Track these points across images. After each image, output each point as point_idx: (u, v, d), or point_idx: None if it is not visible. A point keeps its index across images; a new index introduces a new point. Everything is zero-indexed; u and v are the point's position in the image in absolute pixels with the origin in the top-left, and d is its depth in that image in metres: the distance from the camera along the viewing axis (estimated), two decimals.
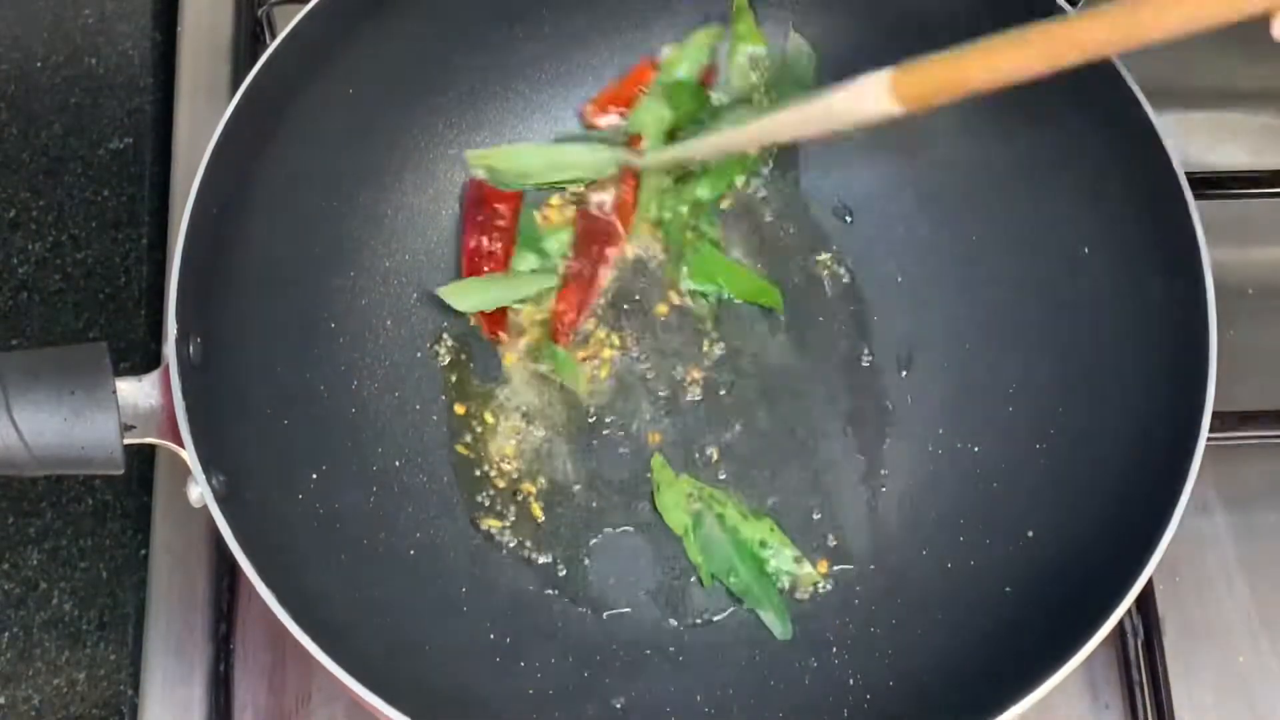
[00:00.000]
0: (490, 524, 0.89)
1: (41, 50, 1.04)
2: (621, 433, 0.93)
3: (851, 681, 0.85)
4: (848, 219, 0.97)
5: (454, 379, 0.93)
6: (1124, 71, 0.83)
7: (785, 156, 0.98)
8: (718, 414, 0.93)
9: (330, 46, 0.87)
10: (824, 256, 0.97)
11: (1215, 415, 0.77)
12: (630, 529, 0.90)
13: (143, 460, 0.91)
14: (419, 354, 0.93)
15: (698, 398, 0.93)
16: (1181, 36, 0.66)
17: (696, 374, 0.94)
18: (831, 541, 0.90)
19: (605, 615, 0.88)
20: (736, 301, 0.96)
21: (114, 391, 0.75)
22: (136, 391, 0.76)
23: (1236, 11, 0.65)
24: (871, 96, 0.79)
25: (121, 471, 0.76)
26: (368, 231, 0.92)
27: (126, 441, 0.75)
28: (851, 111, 0.81)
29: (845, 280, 0.96)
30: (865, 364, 0.94)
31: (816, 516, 0.91)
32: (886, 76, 0.78)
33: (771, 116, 0.89)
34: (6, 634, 0.88)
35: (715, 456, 0.92)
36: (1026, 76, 0.74)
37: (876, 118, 0.80)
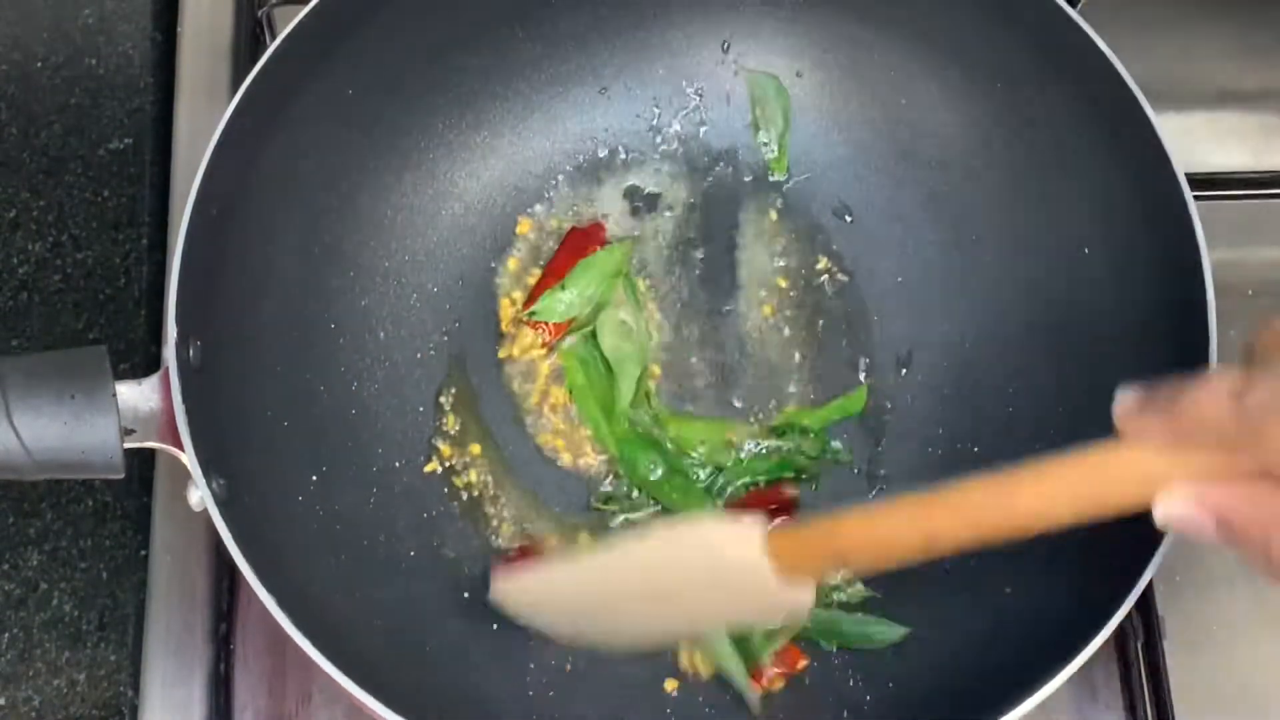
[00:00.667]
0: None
1: (41, 50, 1.04)
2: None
3: (852, 683, 0.85)
4: (847, 219, 0.97)
5: (454, 378, 0.93)
6: (1124, 71, 0.83)
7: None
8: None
9: (330, 47, 0.87)
10: (824, 257, 0.96)
11: None
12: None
13: (143, 462, 0.91)
14: (419, 354, 0.93)
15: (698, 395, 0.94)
16: (1063, 523, 0.62)
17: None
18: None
19: None
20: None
21: (114, 395, 0.75)
22: (136, 395, 0.76)
23: (1122, 493, 0.60)
24: (745, 539, 0.70)
25: (122, 475, 0.76)
26: (367, 232, 0.92)
27: (126, 445, 0.75)
28: (722, 553, 0.71)
29: (845, 280, 0.96)
30: (864, 363, 0.94)
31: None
32: (760, 525, 0.70)
33: (638, 542, 0.76)
34: (6, 634, 0.88)
35: None
36: (909, 555, 0.67)
37: (751, 579, 0.70)
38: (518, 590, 0.80)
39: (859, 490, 0.92)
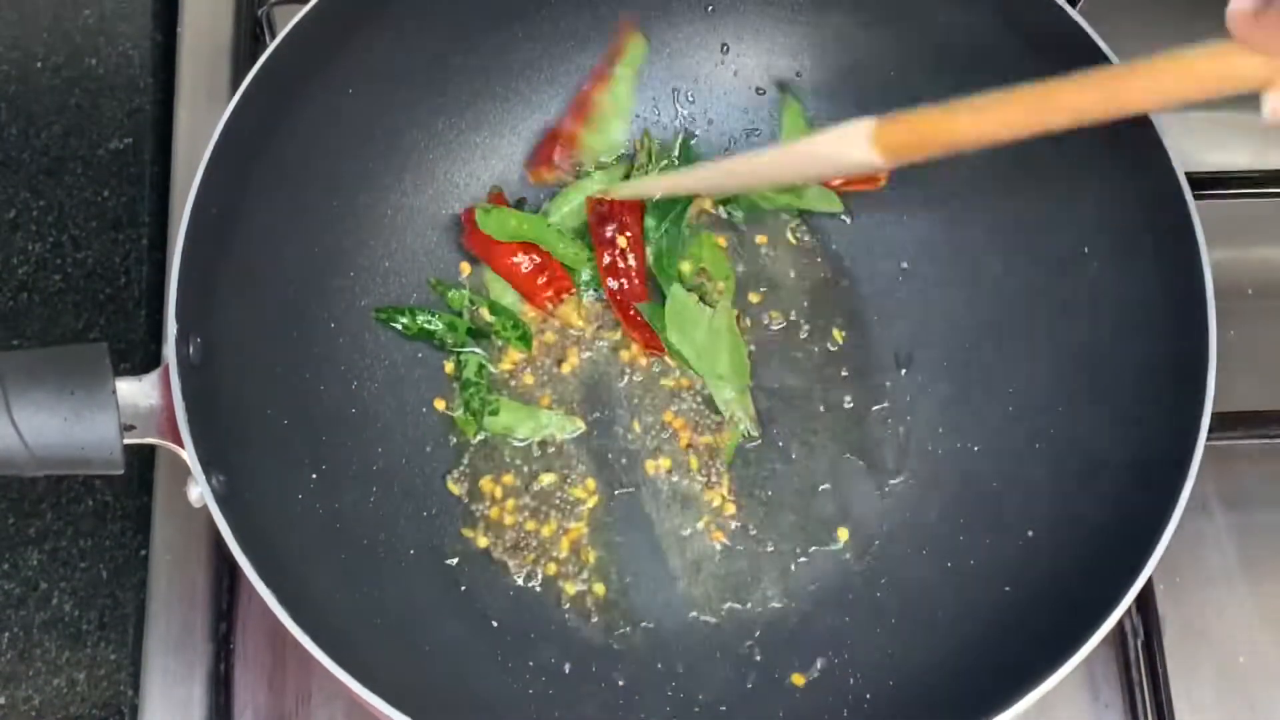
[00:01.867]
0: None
1: (41, 50, 1.04)
2: (620, 428, 0.93)
3: (852, 681, 0.85)
4: (846, 219, 0.97)
5: (454, 379, 0.93)
6: None
7: None
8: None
9: (330, 46, 0.87)
10: (823, 257, 0.96)
11: (1215, 415, 0.77)
12: (630, 527, 0.90)
13: (143, 461, 0.91)
14: (419, 354, 0.93)
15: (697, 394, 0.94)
16: (1170, 108, 0.65)
17: None
18: (833, 540, 0.90)
19: (606, 616, 0.88)
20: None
21: (114, 392, 0.75)
22: (136, 392, 0.76)
23: (1225, 86, 0.64)
24: (854, 143, 0.78)
25: (121, 472, 0.76)
26: (368, 231, 0.92)
27: (126, 441, 0.75)
28: (833, 157, 0.81)
29: (846, 281, 0.96)
30: (865, 363, 0.94)
31: (817, 515, 0.91)
32: (870, 125, 0.78)
33: (754, 156, 0.89)
34: (6, 634, 0.88)
35: None
36: (1011, 136, 0.73)
37: (858, 166, 0.80)
38: (629, 189, 0.91)
39: (859, 491, 0.92)
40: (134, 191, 1.00)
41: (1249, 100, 1.01)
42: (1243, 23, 0.61)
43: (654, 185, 0.93)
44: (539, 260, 0.94)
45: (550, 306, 0.94)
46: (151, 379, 0.76)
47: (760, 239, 0.97)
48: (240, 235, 0.83)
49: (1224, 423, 0.86)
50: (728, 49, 0.98)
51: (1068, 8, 0.85)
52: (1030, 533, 0.85)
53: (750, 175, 0.90)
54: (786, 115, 0.97)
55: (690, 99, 0.99)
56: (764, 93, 0.98)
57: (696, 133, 0.99)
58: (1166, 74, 0.66)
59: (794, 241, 0.97)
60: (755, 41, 0.97)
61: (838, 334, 0.95)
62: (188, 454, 0.74)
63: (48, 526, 0.91)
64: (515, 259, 0.93)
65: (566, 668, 0.86)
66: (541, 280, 0.94)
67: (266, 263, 0.86)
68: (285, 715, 0.88)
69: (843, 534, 0.90)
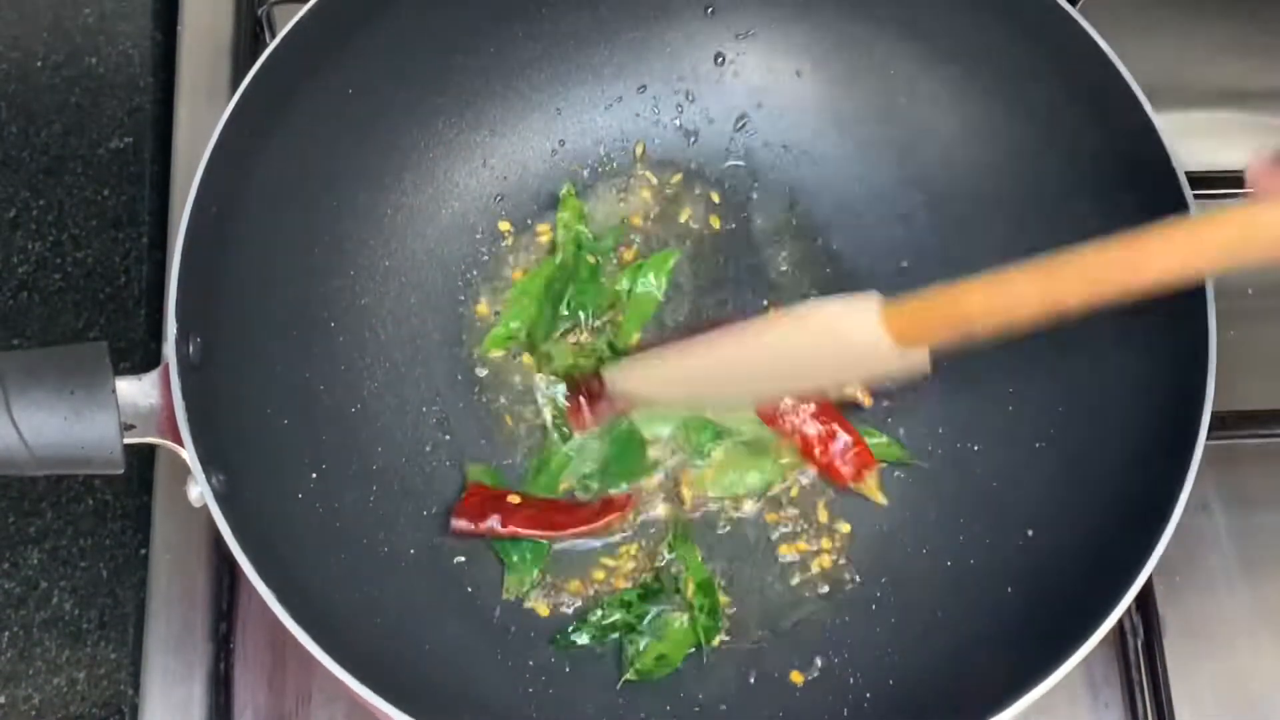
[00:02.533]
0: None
1: (41, 50, 1.04)
2: None
3: (852, 680, 0.85)
4: (848, 218, 0.97)
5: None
6: (1124, 71, 0.83)
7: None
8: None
9: (330, 46, 0.87)
10: (824, 256, 0.96)
11: (1215, 415, 0.77)
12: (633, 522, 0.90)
13: (143, 460, 0.91)
14: (419, 353, 0.93)
15: None
16: (1199, 278, 0.61)
17: None
18: (834, 541, 0.90)
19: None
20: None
21: (114, 391, 0.75)
22: (136, 391, 0.76)
23: (1257, 251, 0.61)
24: (863, 319, 0.74)
25: (121, 471, 0.76)
26: (367, 231, 0.92)
27: (126, 441, 0.75)
28: (840, 334, 0.75)
29: (846, 281, 0.96)
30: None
31: (817, 516, 0.91)
32: (877, 301, 0.74)
33: (744, 336, 0.81)
34: (6, 634, 0.88)
35: None
36: (1029, 317, 0.69)
37: (868, 352, 0.74)
38: (635, 378, 0.85)
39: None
40: (134, 191, 1.00)
41: (1249, 100, 1.01)
42: (1263, 176, 0.59)
43: (647, 386, 0.87)
44: None
45: None
46: (151, 378, 0.76)
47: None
48: (240, 234, 0.83)
49: (1224, 423, 0.86)
50: (728, 49, 0.98)
51: (1068, 7, 0.85)
52: (1030, 532, 0.85)
53: (742, 371, 0.82)
54: None
55: (690, 98, 0.99)
56: (765, 91, 0.98)
57: (698, 130, 0.99)
58: (1190, 243, 0.62)
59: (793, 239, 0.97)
60: (755, 41, 0.97)
61: None
62: (187, 453, 0.74)
63: (48, 526, 0.91)
64: None
65: (567, 668, 0.85)
66: None
67: (266, 262, 0.86)
68: (285, 715, 0.88)
69: (844, 527, 0.90)
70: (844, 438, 0.90)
